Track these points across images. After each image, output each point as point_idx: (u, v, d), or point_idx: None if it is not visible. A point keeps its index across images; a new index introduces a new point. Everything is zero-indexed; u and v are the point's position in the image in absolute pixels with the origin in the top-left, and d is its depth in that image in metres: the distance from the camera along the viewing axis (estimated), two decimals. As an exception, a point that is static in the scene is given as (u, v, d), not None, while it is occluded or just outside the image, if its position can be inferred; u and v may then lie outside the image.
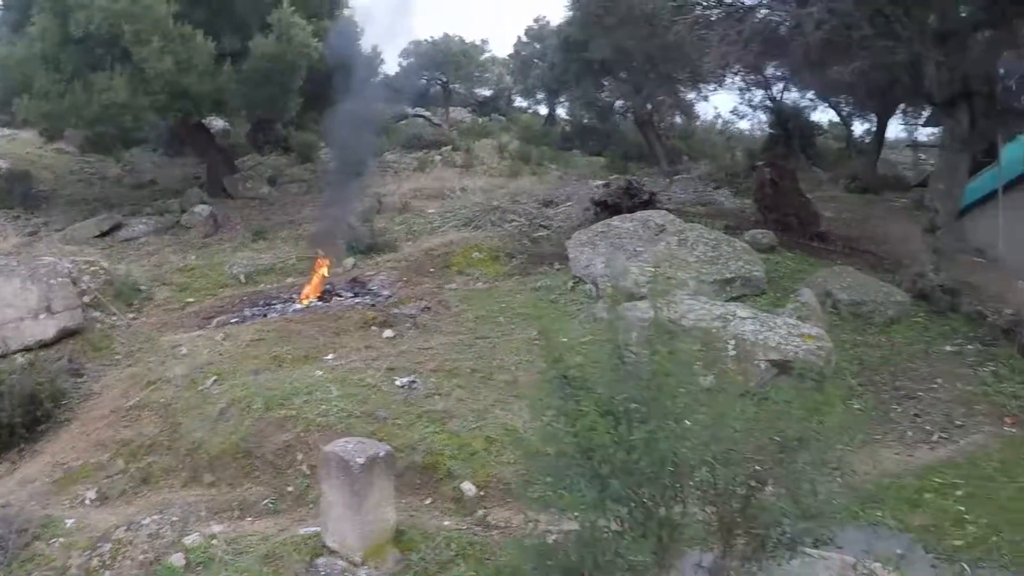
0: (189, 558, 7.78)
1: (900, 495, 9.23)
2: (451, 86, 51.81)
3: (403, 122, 42.04)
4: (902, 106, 33.86)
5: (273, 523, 8.63)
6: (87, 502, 9.70)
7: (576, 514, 4.82)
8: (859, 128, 40.61)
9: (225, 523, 8.67)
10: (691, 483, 4.99)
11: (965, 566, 7.82)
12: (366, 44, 28.92)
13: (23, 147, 30.32)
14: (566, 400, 4.99)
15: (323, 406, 10.78)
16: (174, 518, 8.70)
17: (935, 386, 12.38)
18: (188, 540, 8.12)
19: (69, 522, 8.85)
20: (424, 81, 51.33)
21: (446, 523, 8.46)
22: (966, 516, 8.74)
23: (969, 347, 13.70)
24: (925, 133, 36.73)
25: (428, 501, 9.18)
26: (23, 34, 21.85)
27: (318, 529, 7.75)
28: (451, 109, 49.03)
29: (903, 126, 39.10)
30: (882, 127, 34.95)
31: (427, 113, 45.64)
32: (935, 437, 10.99)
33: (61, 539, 8.46)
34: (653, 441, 4.65)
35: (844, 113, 39.09)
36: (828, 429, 5.13)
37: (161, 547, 8.13)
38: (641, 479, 4.71)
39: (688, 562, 5.24)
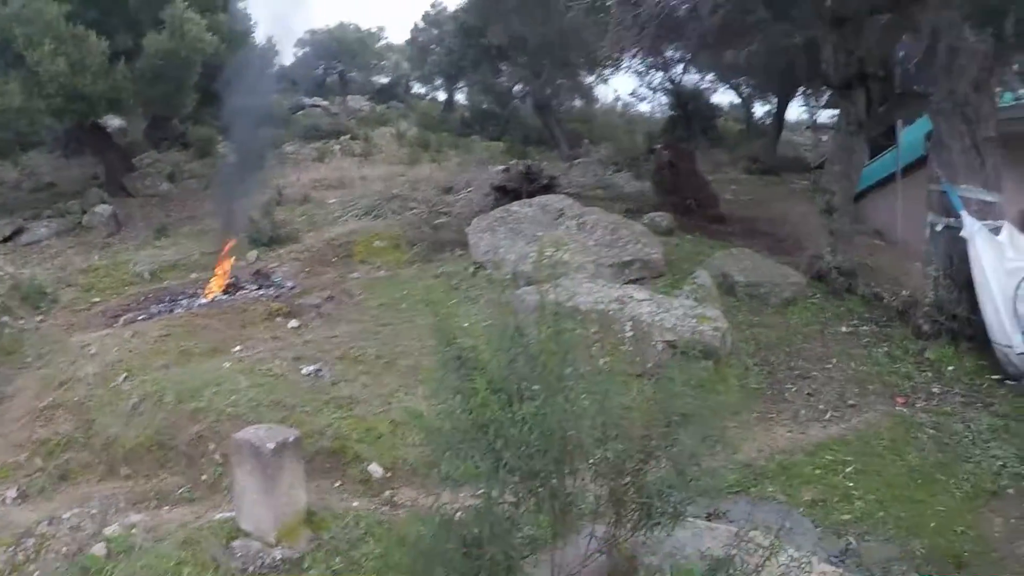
0: (110, 547, 8.00)
1: (791, 471, 9.46)
2: (348, 75, 51.48)
3: (301, 112, 41.71)
4: (802, 88, 34.03)
5: (190, 511, 8.90)
6: (8, 501, 9.85)
7: (474, 487, 5.12)
8: (760, 110, 41.00)
9: (143, 513, 8.93)
10: (582, 457, 5.18)
11: (851, 539, 8.06)
12: (260, 35, 29.08)
13: (-85, 157, 29.81)
14: (461, 379, 5.33)
15: (233, 397, 11.02)
16: (94, 511, 8.92)
17: (829, 366, 12.57)
18: (108, 531, 8.35)
19: (-9, 521, 9.02)
20: (321, 70, 50.95)
21: (355, 504, 8.78)
22: (854, 492, 8.98)
23: (864, 328, 13.88)
24: (826, 115, 36.97)
25: (337, 484, 9.52)
26: (-88, 43, 21.48)
27: (233, 514, 8.01)
28: (349, 98, 48.66)
29: (803, 108, 39.63)
30: (782, 109, 35.33)
31: (325, 103, 45.22)
32: (828, 416, 11.16)
33: (-16, 537, 8.64)
34: (541, 416, 4.89)
35: (744, 95, 39.45)
36: (712, 405, 5.34)
37: (83, 539, 8.35)
38: (532, 452, 4.91)
39: (582, 533, 5.44)
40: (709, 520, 7.19)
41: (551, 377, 5.09)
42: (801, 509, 8.65)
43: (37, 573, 8.03)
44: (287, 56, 48.33)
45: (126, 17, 23.11)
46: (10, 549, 8.33)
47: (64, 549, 8.24)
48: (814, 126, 38.94)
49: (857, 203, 18.86)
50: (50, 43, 20.32)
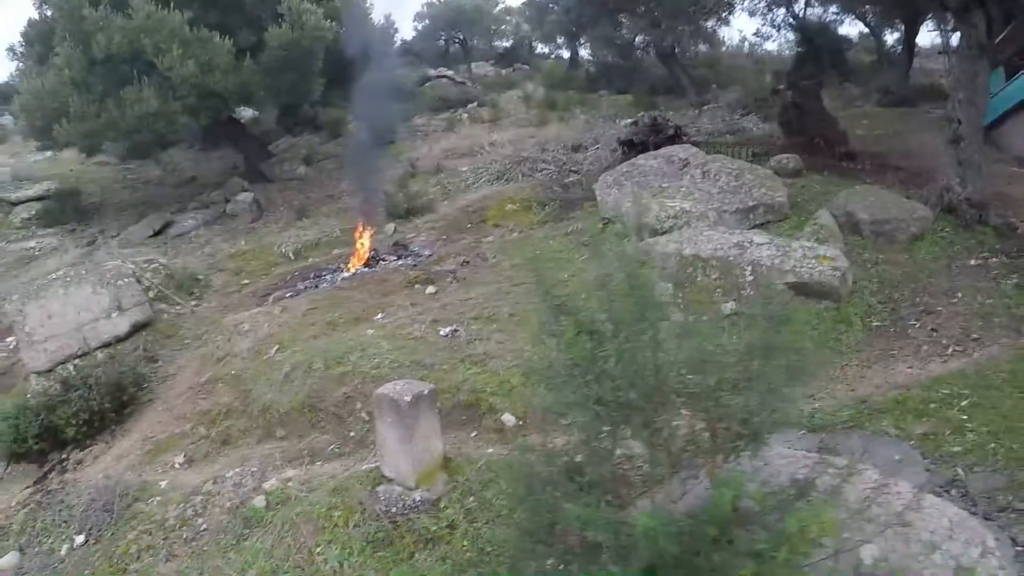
0: (269, 499, 8.83)
1: (905, 406, 9.39)
2: (469, 42, 51.86)
3: (427, 84, 42.37)
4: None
5: (339, 464, 9.62)
6: (176, 466, 10.80)
7: (571, 418, 5.47)
8: (891, 38, 38.96)
9: (298, 468, 9.69)
10: (670, 390, 5.36)
11: (960, 470, 7.97)
12: (377, 14, 29.74)
13: (66, 165, 31.83)
14: (557, 324, 5.74)
15: (376, 360, 11.73)
16: (253, 469, 9.79)
17: (955, 300, 12.37)
18: (267, 485, 9.17)
19: (163, 484, 9.96)
20: (442, 41, 51.46)
21: (489, 451, 9.27)
22: (967, 424, 8.83)
23: (993, 260, 13.50)
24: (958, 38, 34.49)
25: (474, 434, 10.07)
26: (49, 64, 23.18)
27: (377, 464, 8.69)
28: (473, 65, 49.11)
29: (934, 31, 37.09)
30: (911, 35, 33.22)
31: (450, 72, 45.72)
32: (950, 350, 11.06)
33: (158, 498, 9.55)
34: (627, 351, 5.25)
35: (871, 23, 37.61)
36: (793, 338, 5.36)
37: (244, 493, 9.20)
38: (621, 384, 5.26)
39: (685, 465, 5.64)
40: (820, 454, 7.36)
41: (632, 317, 5.42)
42: (912, 442, 8.64)
43: (204, 525, 8.90)
44: (407, 31, 48.98)
45: (245, 15, 24.44)
46: (180, 506, 9.30)
47: (228, 504, 9.14)
48: (948, 50, 37.09)
49: (995, 130, 17.93)
50: (178, 48, 21.62)
